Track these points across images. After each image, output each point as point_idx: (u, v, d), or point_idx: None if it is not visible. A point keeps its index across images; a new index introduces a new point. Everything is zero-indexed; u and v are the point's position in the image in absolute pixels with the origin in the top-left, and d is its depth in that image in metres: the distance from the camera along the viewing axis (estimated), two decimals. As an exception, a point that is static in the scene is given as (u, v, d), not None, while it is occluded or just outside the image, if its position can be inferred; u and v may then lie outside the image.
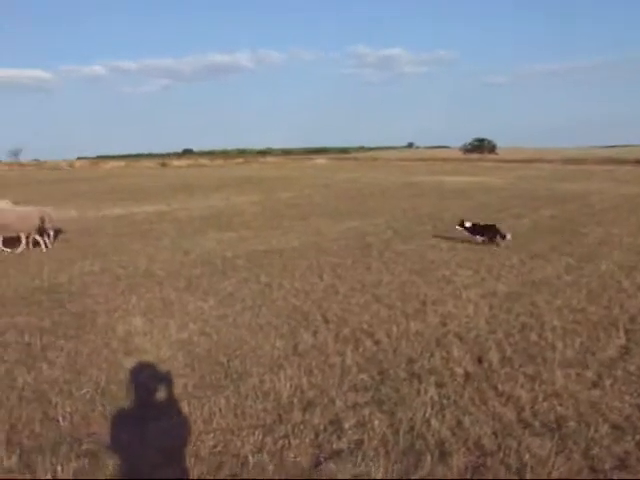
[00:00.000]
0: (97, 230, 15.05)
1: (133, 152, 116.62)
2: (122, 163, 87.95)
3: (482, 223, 12.45)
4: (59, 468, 3.75)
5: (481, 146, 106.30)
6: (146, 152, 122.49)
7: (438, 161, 79.31)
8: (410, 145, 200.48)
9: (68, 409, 4.54)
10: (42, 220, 12.51)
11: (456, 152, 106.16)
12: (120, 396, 4.79)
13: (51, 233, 12.87)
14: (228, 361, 5.56)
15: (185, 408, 4.58)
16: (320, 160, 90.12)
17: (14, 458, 3.87)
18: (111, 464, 3.82)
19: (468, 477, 3.68)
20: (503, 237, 11.74)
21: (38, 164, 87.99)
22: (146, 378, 5.18)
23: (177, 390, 4.92)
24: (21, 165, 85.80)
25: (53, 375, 5.25)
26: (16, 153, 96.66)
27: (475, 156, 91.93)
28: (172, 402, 4.72)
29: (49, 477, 3.69)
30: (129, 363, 5.52)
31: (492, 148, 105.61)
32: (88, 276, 9.37)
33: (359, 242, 12.34)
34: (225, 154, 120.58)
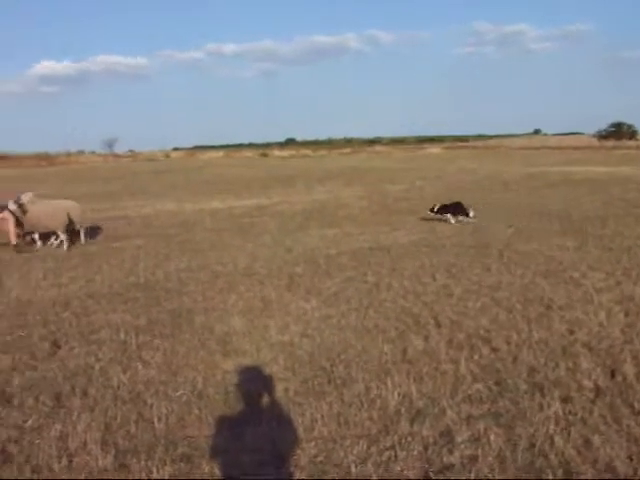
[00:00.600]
0: (194, 224, 15.74)
1: (232, 142, 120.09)
2: (220, 153, 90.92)
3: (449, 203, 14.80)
4: (154, 470, 4.00)
5: (619, 131, 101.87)
6: (246, 142, 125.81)
7: (568, 149, 76.56)
8: (537, 132, 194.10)
9: (164, 410, 4.82)
10: (68, 216, 13.16)
11: (589, 139, 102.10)
12: (218, 399, 5.02)
13: (81, 231, 13.53)
14: (331, 366, 5.68)
15: (285, 414, 4.74)
16: (434, 149, 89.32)
17: (109, 458, 4.15)
18: (207, 469, 4.03)
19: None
20: (467, 215, 14.22)
21: (133, 155, 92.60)
22: (245, 381, 5.40)
23: (277, 394, 5.10)
24: (116, 156, 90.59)
25: (148, 375, 5.58)
26: (111, 144, 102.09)
27: (611, 143, 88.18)
28: (272, 407, 4.90)
29: (144, 478, 3.95)
30: (227, 365, 5.77)
31: (632, 134, 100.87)
32: (185, 273, 9.85)
33: (476, 240, 12.16)
34: (330, 143, 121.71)
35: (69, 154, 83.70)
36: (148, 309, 7.76)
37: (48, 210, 13.12)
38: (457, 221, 14.22)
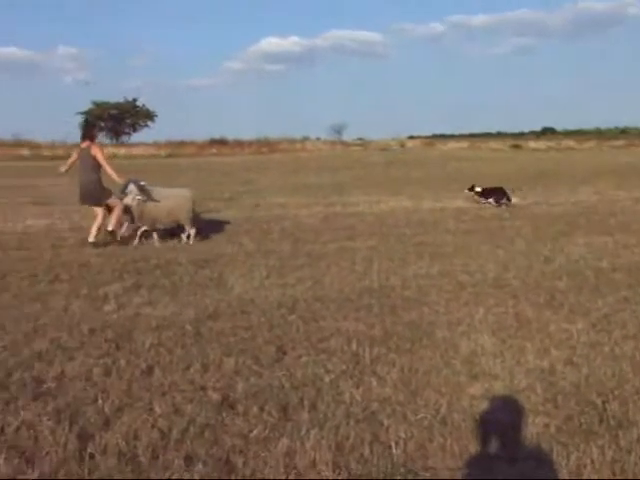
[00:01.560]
0: (434, 225, 15.89)
1: (478, 130, 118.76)
2: (464, 144, 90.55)
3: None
4: (391, 502, 4.14)
5: None
6: (494, 130, 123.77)
7: None
8: None
9: (402, 435, 4.95)
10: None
11: None
12: (464, 427, 5.07)
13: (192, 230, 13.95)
14: (603, 402, 5.48)
15: (545, 453, 4.67)
16: None
17: (341, 482, 4.37)
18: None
19: None
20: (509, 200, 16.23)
21: (363, 143, 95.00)
22: (495, 410, 5.39)
23: (535, 430, 5.03)
24: (344, 144, 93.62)
25: (384, 393, 5.75)
26: (339, 130, 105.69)
27: None
28: (528, 443, 4.85)
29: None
30: (474, 389, 5.80)
31: None
32: (425, 280, 10.00)
33: None
34: (599, 134, 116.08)
35: (292, 141, 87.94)
36: (383, 318, 7.99)
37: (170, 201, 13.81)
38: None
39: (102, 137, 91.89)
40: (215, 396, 5.70)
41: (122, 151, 73.18)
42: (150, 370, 6.35)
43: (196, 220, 14.34)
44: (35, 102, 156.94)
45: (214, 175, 36.57)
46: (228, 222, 16.78)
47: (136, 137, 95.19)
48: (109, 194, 13.68)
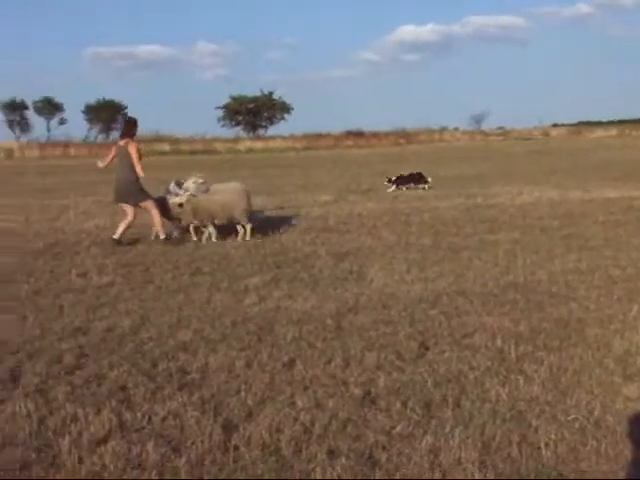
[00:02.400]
0: (583, 217, 15.43)
1: (628, 117, 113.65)
2: (612, 131, 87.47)
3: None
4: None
5: None
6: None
7: None
8: None
9: (552, 436, 4.81)
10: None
11: None
12: (620, 431, 4.87)
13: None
14: None
15: None
16: None
17: (487, 482, 4.30)
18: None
19: None
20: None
21: (503, 133, 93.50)
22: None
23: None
24: (483, 134, 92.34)
25: (531, 392, 5.61)
26: (479, 120, 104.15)
27: None
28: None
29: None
30: (630, 391, 5.57)
31: None
32: (573, 274, 9.72)
33: None
34: None
35: (431, 131, 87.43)
36: (529, 315, 7.81)
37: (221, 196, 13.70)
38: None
39: (239, 130, 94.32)
40: (357, 391, 5.73)
41: (259, 144, 75.10)
42: (291, 363, 6.45)
43: (252, 216, 14.35)
44: (175, 98, 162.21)
45: (351, 167, 36.86)
46: (366, 214, 16.84)
47: (273, 130, 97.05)
48: (145, 196, 13.78)
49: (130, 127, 14.18)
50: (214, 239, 13.61)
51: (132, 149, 13.58)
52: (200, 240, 13.76)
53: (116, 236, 13.45)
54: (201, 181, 13.90)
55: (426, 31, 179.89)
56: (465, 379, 5.93)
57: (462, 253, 11.61)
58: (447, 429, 4.96)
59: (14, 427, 5.17)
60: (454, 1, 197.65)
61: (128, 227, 13.68)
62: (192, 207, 13.53)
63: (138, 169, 13.46)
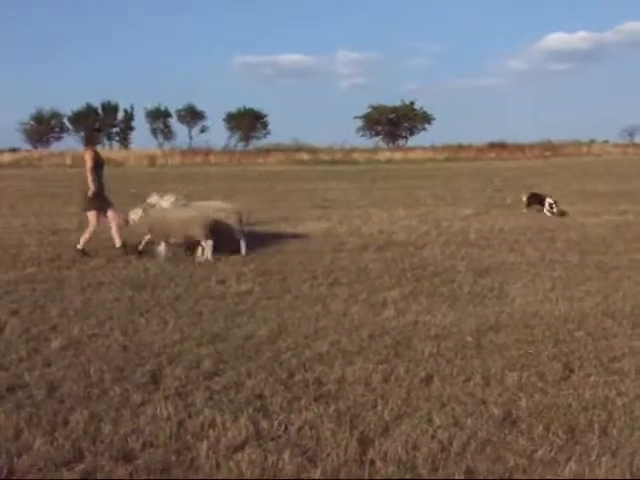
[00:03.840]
0: None
1: None
2: None
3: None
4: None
5: None
6: None
7: None
8: None
9: None
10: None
11: None
12: None
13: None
14: None
15: None
16: None
17: None
18: None
19: None
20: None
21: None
22: None
23: None
24: (637, 147, 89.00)
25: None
26: (632, 132, 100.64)
27: None
28: None
29: None
30: None
31: None
32: None
33: None
34: None
35: (579, 144, 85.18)
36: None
37: (179, 215, 13.63)
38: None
39: (378, 141, 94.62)
40: (497, 411, 5.66)
41: (398, 155, 75.10)
42: (429, 379, 6.44)
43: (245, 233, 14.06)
44: (314, 107, 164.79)
45: (493, 179, 36.25)
46: (508, 229, 16.60)
47: (413, 141, 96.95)
48: (97, 206, 13.72)
49: (89, 135, 14.35)
50: (209, 256, 13.00)
51: (87, 157, 13.76)
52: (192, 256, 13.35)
53: (117, 244, 13.73)
54: (174, 199, 14.57)
55: (577, 39, 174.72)
56: (612, 405, 5.78)
57: (611, 272, 11.27)
58: (593, 457, 4.85)
59: (155, 429, 5.40)
60: (608, 7, 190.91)
61: (92, 235, 13.74)
62: (148, 223, 13.48)
63: (89, 180, 13.57)
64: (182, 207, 14.44)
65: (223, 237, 13.45)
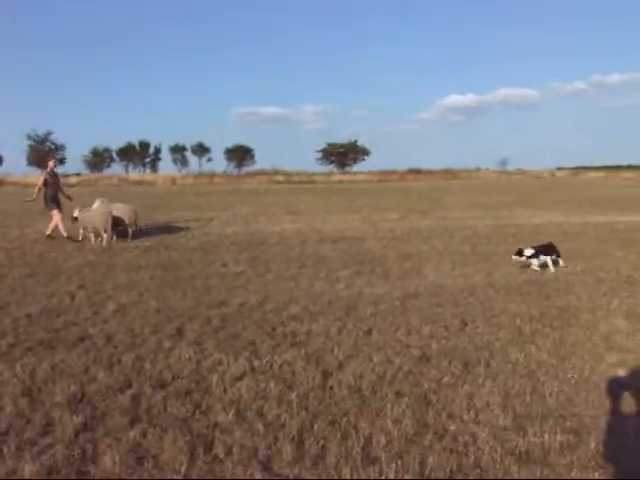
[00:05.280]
0: (578, 235, 14.96)
1: (612, 163, 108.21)
2: (601, 174, 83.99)
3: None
4: (546, 437, 4.04)
5: None
6: (625, 164, 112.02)
7: None
8: None
9: (555, 389, 4.81)
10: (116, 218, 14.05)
11: None
12: (602, 387, 4.85)
13: (129, 231, 14.43)
14: None
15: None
16: None
17: (508, 419, 4.30)
18: (593, 444, 3.94)
19: None
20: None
21: (522, 173, 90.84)
22: (629, 375, 5.11)
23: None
24: (508, 173, 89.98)
25: (541, 357, 5.60)
26: (504, 163, 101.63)
27: None
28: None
29: (537, 441, 4.03)
30: (611, 359, 5.52)
31: None
32: (572, 275, 9.53)
33: None
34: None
35: (469, 170, 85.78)
36: (539, 302, 7.73)
37: (93, 213, 14.17)
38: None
39: (332, 167, 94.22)
40: (416, 352, 5.79)
41: (346, 177, 75.15)
42: (370, 331, 6.53)
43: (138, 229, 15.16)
44: (288, 143, 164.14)
45: (411, 195, 36.47)
46: (422, 229, 16.75)
47: (356, 167, 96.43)
48: (51, 208, 14.61)
49: (44, 160, 15.46)
50: (104, 243, 13.56)
51: (39, 176, 15.39)
52: (90, 241, 13.98)
53: (48, 232, 14.57)
54: (101, 201, 15.38)
55: (467, 99, 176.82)
56: (493, 347, 5.94)
57: (492, 258, 11.44)
58: (480, 381, 5.01)
59: (180, 365, 5.45)
60: (488, 76, 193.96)
61: (56, 226, 14.58)
62: (80, 219, 14.17)
63: (35, 190, 14.78)
64: (98, 207, 14.81)
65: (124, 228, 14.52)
